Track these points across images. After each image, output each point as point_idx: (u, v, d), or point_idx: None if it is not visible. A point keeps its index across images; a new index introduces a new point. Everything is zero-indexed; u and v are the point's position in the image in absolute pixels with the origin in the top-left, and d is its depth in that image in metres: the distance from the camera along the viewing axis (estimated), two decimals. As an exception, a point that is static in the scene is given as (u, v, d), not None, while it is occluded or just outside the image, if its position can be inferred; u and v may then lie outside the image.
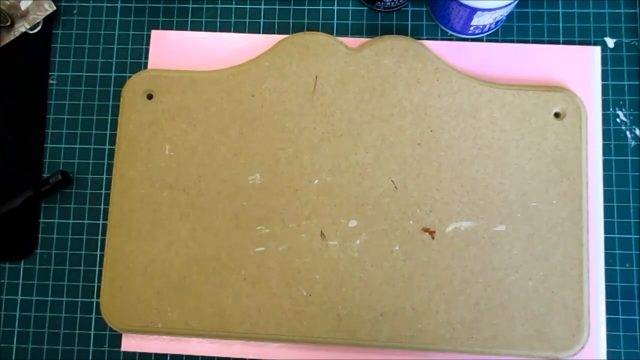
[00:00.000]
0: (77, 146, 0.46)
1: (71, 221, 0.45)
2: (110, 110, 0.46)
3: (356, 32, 0.47)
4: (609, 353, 0.42)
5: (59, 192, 0.45)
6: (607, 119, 0.45)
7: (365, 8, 0.47)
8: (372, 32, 0.46)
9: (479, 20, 0.42)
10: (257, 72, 0.44)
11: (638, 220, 0.43)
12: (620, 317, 0.42)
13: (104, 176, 0.45)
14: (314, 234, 0.42)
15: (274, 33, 0.47)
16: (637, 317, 0.42)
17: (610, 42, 0.46)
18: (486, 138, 0.43)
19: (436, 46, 0.46)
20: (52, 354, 0.43)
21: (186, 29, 0.47)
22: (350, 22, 0.47)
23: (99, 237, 0.45)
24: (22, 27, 0.47)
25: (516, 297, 0.41)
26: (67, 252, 0.44)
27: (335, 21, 0.47)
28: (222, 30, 0.47)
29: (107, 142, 0.46)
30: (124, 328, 0.42)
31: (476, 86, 0.43)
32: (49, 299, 0.44)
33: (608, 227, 0.43)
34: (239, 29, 0.47)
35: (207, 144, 0.43)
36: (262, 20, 0.47)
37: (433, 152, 0.43)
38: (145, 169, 0.43)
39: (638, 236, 0.43)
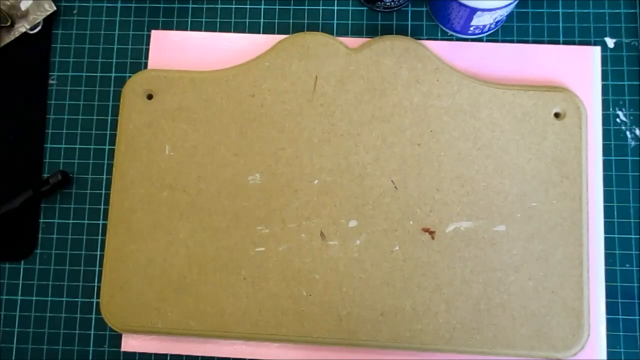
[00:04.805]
0: (77, 146, 0.46)
1: (71, 221, 0.45)
2: (110, 110, 0.46)
3: (356, 32, 0.47)
4: (609, 353, 0.42)
5: (59, 192, 0.45)
6: (607, 119, 0.45)
7: (365, 8, 0.47)
8: (372, 32, 0.46)
9: (479, 20, 0.42)
10: (257, 72, 0.44)
11: (638, 220, 0.43)
12: (620, 317, 0.42)
13: (104, 176, 0.45)
14: (314, 234, 0.42)
15: (274, 33, 0.47)
16: (637, 317, 0.42)
17: (610, 42, 0.46)
18: (486, 138, 0.43)
19: (436, 46, 0.46)
20: (52, 354, 0.43)
21: (186, 29, 0.47)
22: (350, 22, 0.47)
23: (99, 237, 0.45)
24: (22, 27, 0.47)
25: (516, 297, 0.41)
26: (67, 252, 0.44)
27: (335, 21, 0.47)
28: (222, 30, 0.47)
29: (107, 142, 0.46)
30: (124, 328, 0.42)
31: (476, 86, 0.43)
32: (49, 299, 0.44)
33: (608, 227, 0.43)
34: (239, 29, 0.47)
35: (207, 144, 0.43)
36: (262, 20, 0.47)
37: (433, 152, 0.43)
38: (145, 169, 0.43)
39: (638, 236, 0.43)
